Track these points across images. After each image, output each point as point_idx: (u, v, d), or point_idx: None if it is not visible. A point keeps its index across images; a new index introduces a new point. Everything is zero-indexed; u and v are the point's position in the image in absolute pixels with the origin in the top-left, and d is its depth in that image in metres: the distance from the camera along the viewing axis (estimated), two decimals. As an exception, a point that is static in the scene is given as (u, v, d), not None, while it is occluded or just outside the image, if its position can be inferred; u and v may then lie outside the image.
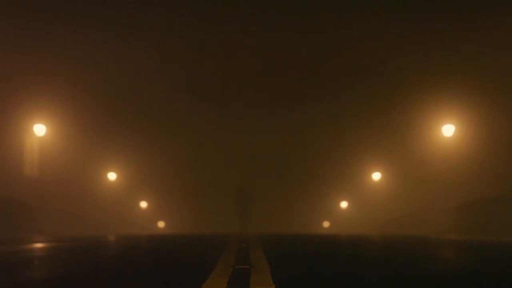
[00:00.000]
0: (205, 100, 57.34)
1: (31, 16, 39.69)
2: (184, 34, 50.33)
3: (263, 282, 5.10)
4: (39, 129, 32.74)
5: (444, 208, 30.41)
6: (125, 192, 54.01)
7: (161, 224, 68.19)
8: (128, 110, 53.00)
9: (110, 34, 45.48)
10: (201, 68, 53.70)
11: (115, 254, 9.52)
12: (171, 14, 49.10)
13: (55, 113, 35.51)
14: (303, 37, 51.53)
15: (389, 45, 44.63)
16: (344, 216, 63.34)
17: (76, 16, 43.74)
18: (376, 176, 51.97)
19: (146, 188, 61.67)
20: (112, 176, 51.02)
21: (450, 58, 40.09)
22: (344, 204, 65.61)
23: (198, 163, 60.30)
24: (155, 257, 8.48)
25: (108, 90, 48.88)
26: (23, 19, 38.64)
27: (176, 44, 49.40)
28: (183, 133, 58.03)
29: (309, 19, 50.20)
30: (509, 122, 34.13)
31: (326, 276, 5.90)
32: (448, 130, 34.11)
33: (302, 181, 62.67)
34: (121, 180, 52.76)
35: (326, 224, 67.87)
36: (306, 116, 58.81)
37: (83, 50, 44.06)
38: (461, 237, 17.62)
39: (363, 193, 55.84)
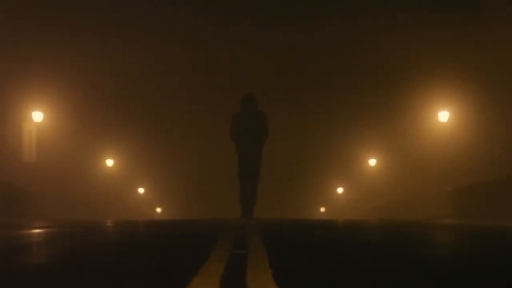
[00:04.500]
0: (202, 89, 57.37)
1: (30, 9, 39.76)
2: (184, 32, 50.39)
3: (261, 267, 5.12)
4: (37, 115, 32.77)
5: (440, 192, 30.49)
6: (123, 178, 54.07)
7: (158, 209, 68.34)
8: (125, 95, 52.96)
9: (110, 30, 45.59)
10: (200, 66, 53.85)
11: (111, 239, 9.56)
12: (172, 13, 49.19)
13: (52, 99, 35.54)
14: (303, 31, 51.58)
15: (384, 36, 44.68)
16: (341, 201, 63.50)
17: (76, 9, 43.86)
18: (373, 162, 52.02)
19: (144, 174, 61.71)
20: (110, 162, 51.03)
21: (446, 45, 40.13)
22: (340, 190, 65.74)
23: (195, 149, 60.36)
24: (151, 243, 8.47)
25: (105, 78, 48.86)
26: (20, 13, 38.72)
27: (174, 39, 49.51)
28: (180, 122, 58.04)
29: (309, 18, 50.24)
30: (505, 106, 34.20)
31: (324, 261, 5.92)
32: (444, 116, 34.16)
33: (299, 167, 62.73)
34: (119, 166, 52.81)
35: (322, 209, 68.07)
36: (304, 105, 58.83)
37: (82, 40, 44.13)
38: (458, 222, 17.69)
39: (359, 179, 55.94)
